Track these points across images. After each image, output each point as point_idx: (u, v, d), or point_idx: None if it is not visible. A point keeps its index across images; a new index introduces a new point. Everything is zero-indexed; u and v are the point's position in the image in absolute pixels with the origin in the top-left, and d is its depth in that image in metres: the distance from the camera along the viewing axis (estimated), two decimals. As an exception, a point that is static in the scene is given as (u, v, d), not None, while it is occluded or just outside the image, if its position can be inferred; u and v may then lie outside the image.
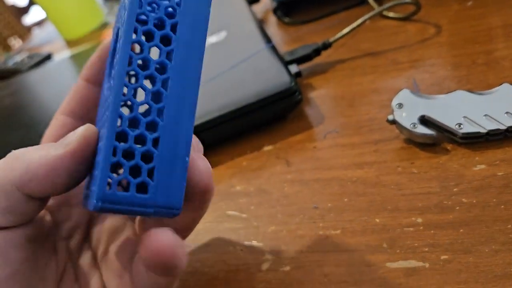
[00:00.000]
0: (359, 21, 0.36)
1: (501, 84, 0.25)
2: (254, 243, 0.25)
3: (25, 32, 1.71)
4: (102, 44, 0.22)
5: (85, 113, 0.22)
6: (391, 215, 0.23)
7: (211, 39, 0.42)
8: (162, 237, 0.14)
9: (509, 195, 0.22)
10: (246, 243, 0.25)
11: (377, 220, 0.23)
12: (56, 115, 0.22)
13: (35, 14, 1.93)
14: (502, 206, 0.21)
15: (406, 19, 0.38)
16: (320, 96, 0.34)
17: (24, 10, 1.93)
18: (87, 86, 0.22)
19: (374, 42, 0.38)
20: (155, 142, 0.15)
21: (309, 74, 0.37)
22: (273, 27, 0.47)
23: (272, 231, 0.25)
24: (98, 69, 0.22)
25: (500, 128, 0.24)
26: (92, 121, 0.22)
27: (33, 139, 0.39)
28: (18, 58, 0.69)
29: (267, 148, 0.31)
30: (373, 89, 0.32)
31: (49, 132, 0.22)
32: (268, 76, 0.33)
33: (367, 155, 0.27)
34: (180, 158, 0.15)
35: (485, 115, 0.25)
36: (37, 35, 0.95)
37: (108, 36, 0.68)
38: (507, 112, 0.24)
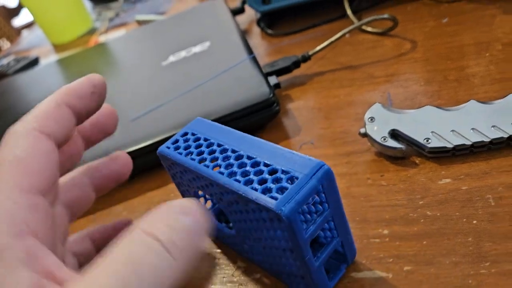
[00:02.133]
0: (338, 34, 0.37)
1: (468, 101, 0.26)
2: (230, 250, 0.25)
3: (14, 35, 1.70)
4: (98, 79, 0.20)
5: (63, 141, 0.19)
6: (359, 226, 0.24)
7: (194, 49, 0.42)
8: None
9: (472, 209, 0.22)
10: (219, 250, 0.25)
11: (346, 231, 0.24)
12: (29, 130, 0.17)
13: (25, 16, 1.92)
14: (464, 220, 0.22)
15: (383, 34, 0.40)
16: (298, 108, 0.35)
17: (14, 12, 1.93)
18: (68, 112, 0.19)
19: (352, 55, 0.39)
20: None
21: (288, 86, 0.38)
22: (256, 38, 0.48)
23: (244, 240, 0.25)
24: (87, 103, 0.19)
25: (466, 143, 0.25)
26: (70, 151, 0.21)
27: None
28: (4, 61, 0.69)
29: (245, 158, 0.32)
30: (349, 102, 0.33)
31: (25, 152, 0.17)
32: (248, 87, 0.33)
33: (339, 166, 0.28)
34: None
35: (452, 130, 0.25)
36: (26, 38, 0.95)
37: (94, 42, 0.68)
38: (473, 128, 0.25)
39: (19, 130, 0.17)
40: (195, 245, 0.15)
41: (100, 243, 0.24)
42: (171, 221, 0.15)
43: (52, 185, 0.17)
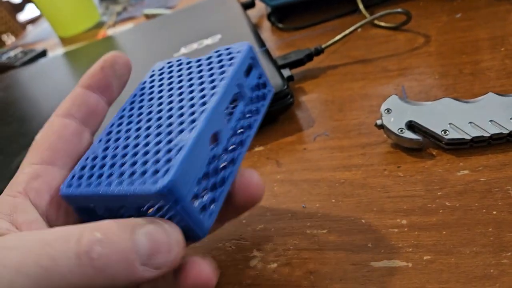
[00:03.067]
0: (351, 28, 0.37)
1: (486, 93, 0.26)
2: (243, 240, 0.25)
3: (19, 29, 1.70)
4: (106, 56, 0.22)
5: (85, 117, 0.21)
6: (377, 216, 0.24)
7: (206, 41, 0.42)
8: (204, 269, 0.17)
9: (491, 200, 0.22)
10: (235, 240, 0.25)
11: (363, 221, 0.24)
12: (53, 117, 0.21)
13: (30, 12, 1.92)
14: (484, 210, 0.22)
15: (396, 28, 0.39)
16: (311, 100, 0.35)
17: (19, 7, 1.92)
18: (87, 93, 0.21)
19: (365, 49, 0.38)
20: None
21: (301, 79, 0.38)
22: (267, 32, 0.48)
23: (260, 229, 0.25)
24: (99, 79, 0.21)
25: (484, 135, 0.25)
26: (92, 127, 0.22)
27: (25, 134, 0.40)
28: (12, 53, 0.69)
29: (258, 148, 0.32)
30: (362, 95, 0.33)
31: (46, 133, 0.21)
32: (261, 79, 0.33)
33: (355, 158, 0.28)
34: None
35: (470, 122, 0.25)
36: (32, 31, 0.95)
37: (102, 36, 0.68)
38: (491, 120, 0.25)
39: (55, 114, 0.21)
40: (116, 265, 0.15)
41: None
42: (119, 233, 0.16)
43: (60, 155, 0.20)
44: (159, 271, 0.16)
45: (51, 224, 0.19)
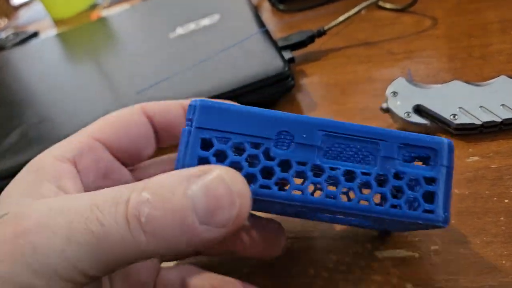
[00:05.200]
0: (355, 9, 0.36)
1: (498, 76, 0.25)
2: (240, 228, 0.24)
3: (11, 12, 1.67)
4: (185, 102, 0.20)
5: (125, 147, 0.20)
6: (382, 204, 0.23)
7: (203, 21, 0.40)
8: None
9: (502, 188, 0.21)
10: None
11: (367, 209, 0.23)
12: (83, 136, 0.19)
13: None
14: (495, 198, 0.21)
15: (402, 10, 0.38)
16: (313, 83, 0.33)
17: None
18: (144, 122, 0.20)
19: (369, 32, 0.37)
20: None
21: (302, 61, 0.36)
22: (267, 13, 0.46)
23: (259, 217, 0.24)
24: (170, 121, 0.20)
25: (496, 120, 0.23)
26: (131, 157, 0.20)
27: (15, 116, 0.38)
28: (3, 35, 0.67)
29: (257, 133, 0.30)
30: (366, 78, 0.32)
31: (122, 115, 0.19)
32: (261, 60, 0.32)
33: (359, 143, 0.27)
34: None
35: (481, 106, 0.24)
36: (25, 13, 0.92)
37: (97, 16, 0.66)
38: (503, 105, 0.24)
39: (132, 107, 0.20)
40: (185, 230, 0.13)
41: None
42: (169, 190, 0.13)
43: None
44: (224, 229, 0.13)
45: None
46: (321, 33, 0.36)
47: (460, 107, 0.24)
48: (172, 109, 0.20)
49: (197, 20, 0.41)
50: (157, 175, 0.13)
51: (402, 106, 0.25)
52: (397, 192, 0.15)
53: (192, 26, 0.41)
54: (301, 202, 0.14)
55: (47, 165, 0.17)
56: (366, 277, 0.20)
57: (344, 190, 0.15)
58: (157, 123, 0.20)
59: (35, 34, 0.65)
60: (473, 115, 0.24)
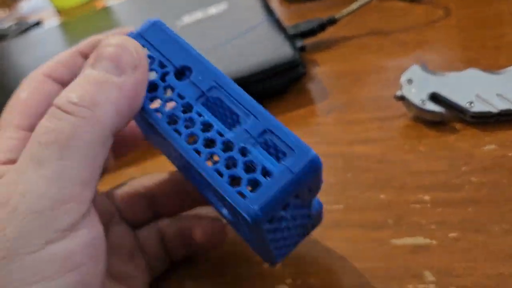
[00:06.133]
0: (367, -1, 0.35)
1: (514, 65, 0.25)
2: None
3: (13, 2, 1.65)
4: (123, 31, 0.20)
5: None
6: (397, 192, 0.22)
7: (211, 9, 0.40)
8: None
9: (521, 176, 0.21)
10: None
11: (382, 197, 0.22)
12: (37, 76, 0.19)
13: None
14: (513, 187, 0.21)
15: (414, 1, 0.37)
16: (324, 72, 0.33)
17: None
18: (82, 61, 0.20)
19: (381, 22, 0.36)
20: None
21: (313, 50, 0.36)
22: (275, 3, 0.46)
23: (271, 204, 0.24)
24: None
25: (513, 108, 0.23)
26: None
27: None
28: (5, 24, 0.66)
29: (267, 121, 0.30)
30: (379, 68, 0.31)
31: (31, 95, 0.18)
32: (272, 48, 0.31)
33: (372, 131, 0.26)
34: None
35: (498, 94, 0.24)
36: (25, 4, 0.91)
37: (101, 5, 0.66)
38: (520, 93, 0.23)
39: (29, 75, 0.19)
40: (116, 98, 0.15)
41: None
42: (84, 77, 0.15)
43: None
44: (137, 72, 0.15)
45: None
46: (332, 22, 0.35)
47: (476, 95, 0.24)
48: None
49: (205, 8, 0.41)
50: None
51: (417, 94, 0.25)
52: (232, 165, 0.14)
53: (199, 14, 0.40)
54: (154, 122, 0.15)
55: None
56: (383, 264, 0.19)
57: (192, 135, 0.15)
58: None
59: (38, 24, 0.65)
60: (490, 103, 0.24)
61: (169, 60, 0.16)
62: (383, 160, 0.24)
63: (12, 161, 0.16)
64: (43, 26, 0.66)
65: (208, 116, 0.15)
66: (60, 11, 0.72)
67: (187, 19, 0.40)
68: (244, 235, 0.19)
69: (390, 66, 0.31)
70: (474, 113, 0.24)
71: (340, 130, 0.27)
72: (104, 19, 0.53)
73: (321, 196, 0.23)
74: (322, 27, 0.35)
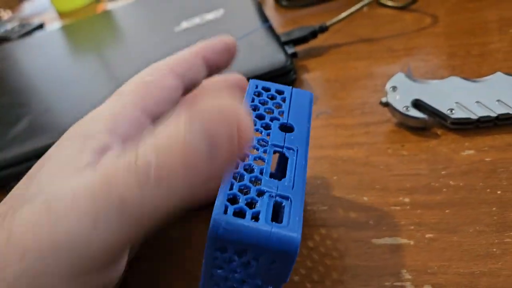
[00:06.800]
0: (357, 6, 0.36)
1: (494, 73, 0.26)
2: (242, 215, 0.25)
3: (15, 4, 1.67)
4: (230, 40, 0.22)
5: (190, 85, 0.21)
6: (379, 194, 0.23)
7: (208, 16, 0.41)
8: None
9: (496, 180, 0.22)
10: (234, 215, 0.25)
11: (365, 198, 0.23)
12: (163, 66, 0.20)
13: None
14: (488, 190, 0.22)
15: (403, 8, 0.39)
16: (314, 78, 0.34)
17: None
18: (201, 64, 0.21)
19: (370, 29, 0.38)
20: None
21: (304, 56, 0.37)
22: (270, 9, 0.47)
23: (260, 205, 0.25)
24: (219, 58, 0.22)
25: (491, 115, 0.24)
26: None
27: (20, 104, 0.39)
28: (8, 26, 0.68)
29: (259, 125, 0.31)
30: (367, 74, 0.32)
31: (153, 83, 0.19)
32: (264, 54, 0.33)
33: (358, 136, 0.27)
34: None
35: (477, 101, 0.25)
36: (29, 6, 0.93)
37: (102, 9, 0.67)
38: (498, 100, 0.25)
39: (155, 64, 0.20)
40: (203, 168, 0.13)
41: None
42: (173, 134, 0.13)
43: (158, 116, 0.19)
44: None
45: None
46: (323, 29, 0.36)
47: (457, 102, 0.25)
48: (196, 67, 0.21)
49: (202, 14, 0.42)
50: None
51: (401, 100, 0.26)
52: (245, 193, 0.15)
53: (197, 20, 0.41)
54: None
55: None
56: (364, 263, 0.21)
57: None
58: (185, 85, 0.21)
59: (40, 26, 0.66)
60: (469, 110, 0.25)
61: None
62: (368, 163, 0.25)
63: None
64: (45, 28, 0.67)
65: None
66: (61, 14, 0.74)
67: (185, 24, 0.42)
68: None
69: (378, 72, 0.32)
70: (455, 119, 0.25)
71: (327, 134, 0.28)
72: (105, 23, 0.54)
73: (308, 198, 0.24)
74: (314, 34, 0.36)
